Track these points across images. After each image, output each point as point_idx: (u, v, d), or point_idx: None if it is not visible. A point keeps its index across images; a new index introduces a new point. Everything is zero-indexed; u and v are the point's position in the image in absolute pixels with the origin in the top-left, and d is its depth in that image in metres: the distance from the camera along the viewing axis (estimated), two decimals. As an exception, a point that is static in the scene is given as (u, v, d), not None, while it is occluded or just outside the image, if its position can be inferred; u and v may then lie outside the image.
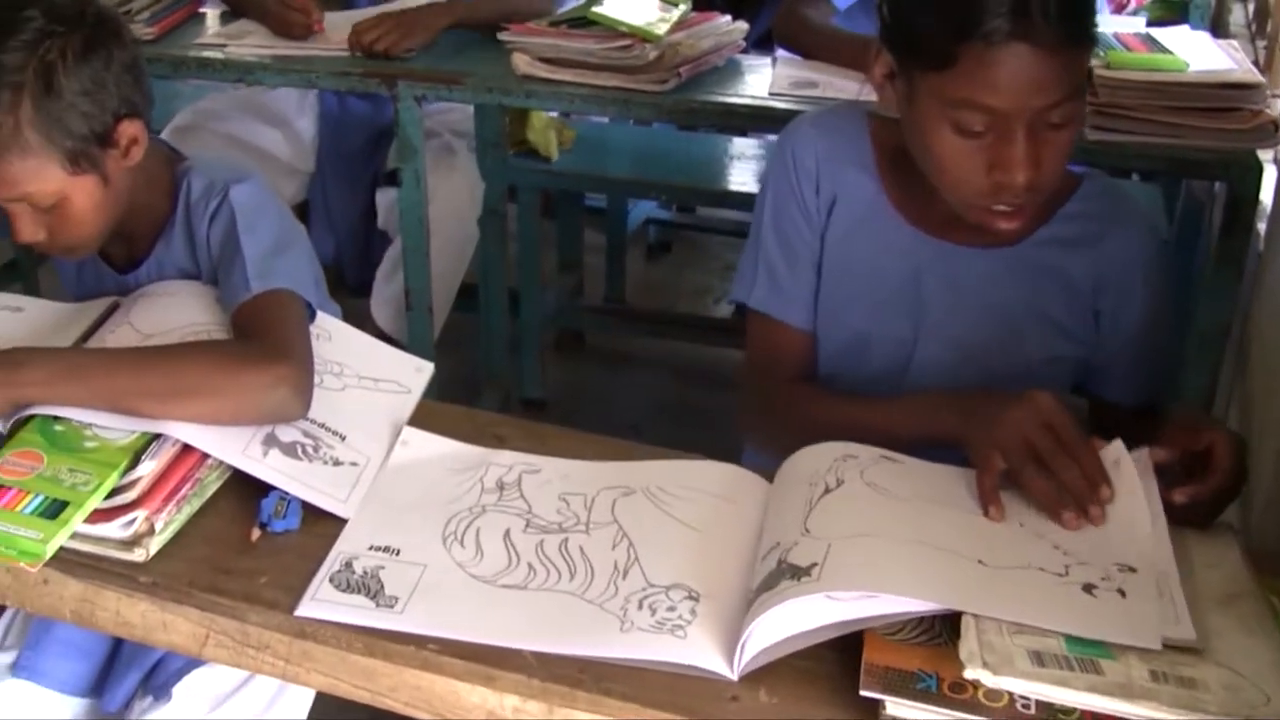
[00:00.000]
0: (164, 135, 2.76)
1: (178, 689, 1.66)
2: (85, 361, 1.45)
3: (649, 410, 3.46)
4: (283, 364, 1.45)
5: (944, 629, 1.19)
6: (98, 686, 1.74)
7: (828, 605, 1.18)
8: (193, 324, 1.58)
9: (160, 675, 1.68)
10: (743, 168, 3.19)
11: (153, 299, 1.63)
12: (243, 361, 1.45)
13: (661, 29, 2.40)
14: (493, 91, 2.42)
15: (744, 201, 3.08)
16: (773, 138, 2.98)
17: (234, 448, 1.43)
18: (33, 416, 1.43)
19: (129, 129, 1.55)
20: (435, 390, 1.67)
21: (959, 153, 1.44)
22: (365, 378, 1.61)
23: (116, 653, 1.72)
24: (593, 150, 3.15)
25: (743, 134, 3.34)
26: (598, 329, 3.74)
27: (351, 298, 2.86)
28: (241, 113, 2.87)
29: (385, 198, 2.89)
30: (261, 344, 1.48)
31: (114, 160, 1.55)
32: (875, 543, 1.24)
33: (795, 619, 1.18)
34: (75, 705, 1.74)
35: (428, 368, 1.66)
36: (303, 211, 2.98)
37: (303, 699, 1.72)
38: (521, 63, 2.41)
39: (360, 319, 2.75)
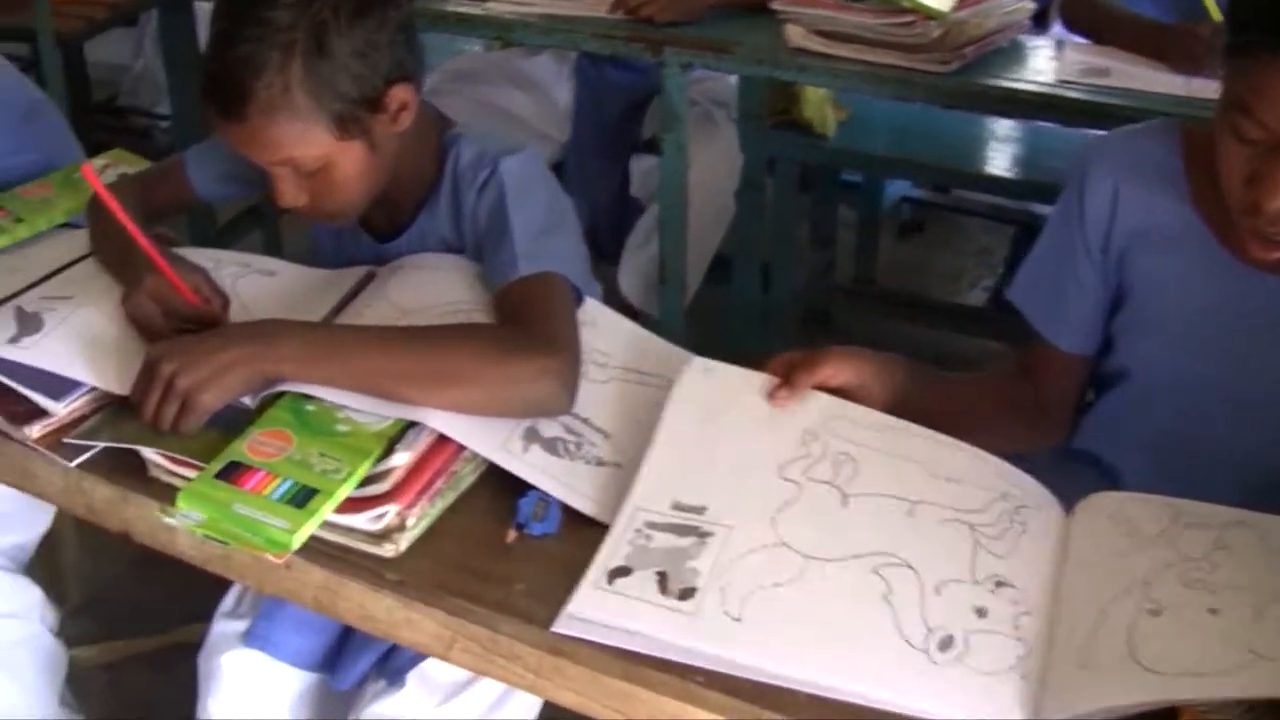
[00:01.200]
0: None
1: (412, 675, 1.58)
2: (342, 339, 1.37)
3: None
4: (550, 354, 1.35)
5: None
6: (330, 662, 1.68)
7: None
8: (453, 302, 1.49)
9: (396, 659, 1.60)
10: (1003, 150, 2.97)
11: (412, 272, 1.54)
12: (509, 350, 1.35)
13: (946, 5, 2.21)
14: (763, 63, 2.28)
15: (1002, 187, 2.88)
16: (1044, 124, 2.87)
17: (493, 441, 1.33)
18: (283, 393, 1.36)
19: (400, 93, 1.46)
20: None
21: (1229, 154, 1.28)
22: (632, 370, 1.50)
23: (351, 630, 1.64)
24: (850, 124, 2.97)
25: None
26: (847, 310, 3.58)
27: (603, 264, 2.77)
28: (496, 76, 2.79)
29: (641, 165, 2.80)
30: (528, 331, 1.38)
31: (382, 125, 1.46)
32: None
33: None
34: (306, 679, 1.69)
35: (698, 363, 1.54)
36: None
37: (535, 699, 1.62)
38: (796, 34, 2.26)
39: (609, 287, 2.69)
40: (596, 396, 1.43)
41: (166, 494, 1.33)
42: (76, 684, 2.21)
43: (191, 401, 1.32)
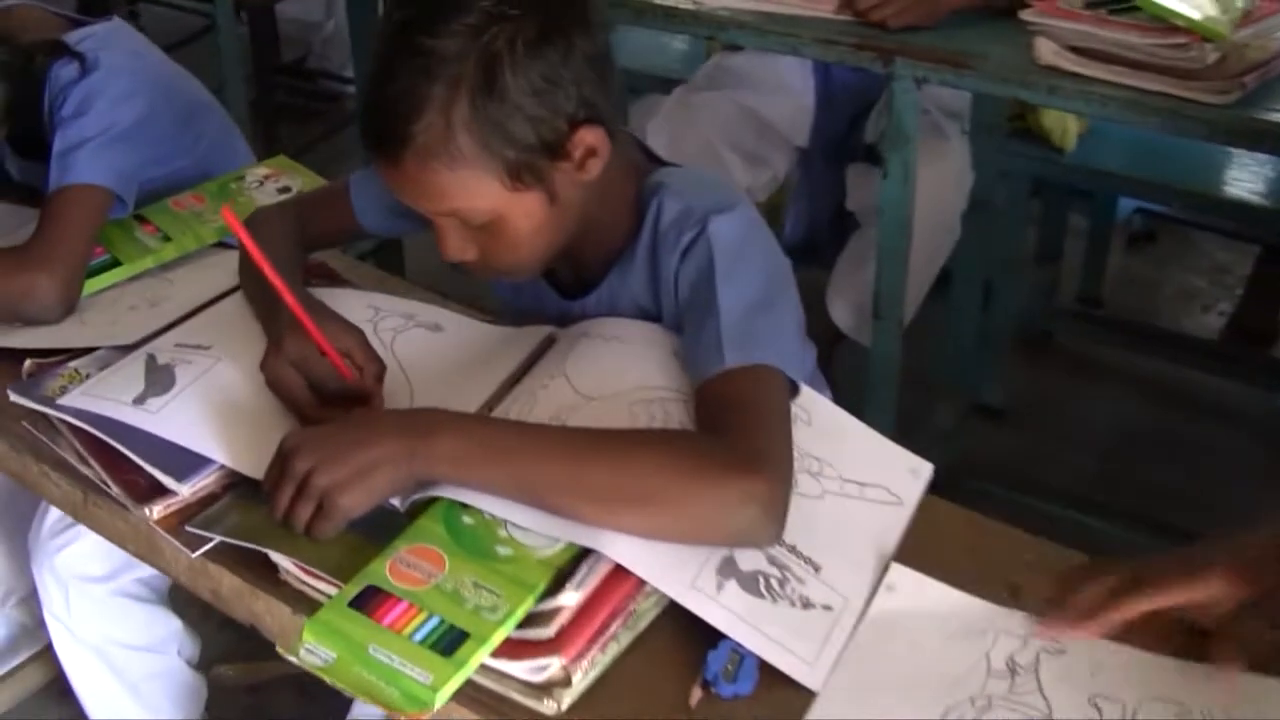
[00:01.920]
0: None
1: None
2: (510, 440, 1.15)
3: (1116, 435, 2.98)
4: (757, 475, 1.11)
5: None
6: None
7: None
8: (645, 388, 1.25)
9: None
10: (1245, 174, 2.61)
11: (599, 345, 1.31)
12: (708, 467, 1.11)
13: (1225, 25, 1.87)
14: (1007, 82, 1.97)
15: (1253, 215, 2.54)
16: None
17: (682, 577, 1.10)
18: (437, 498, 1.14)
19: (587, 137, 1.22)
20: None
21: None
22: (849, 481, 1.25)
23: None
24: (1089, 136, 2.65)
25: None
26: (1070, 333, 3.26)
27: (822, 270, 2.56)
28: (756, 77, 2.54)
29: (856, 175, 2.51)
30: (733, 444, 1.13)
31: (565, 175, 1.23)
32: None
33: None
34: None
35: (925, 470, 1.29)
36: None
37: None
38: (1047, 50, 1.95)
39: (821, 304, 2.49)
40: (807, 517, 1.18)
41: (299, 599, 1.15)
42: (219, 705, 2.11)
43: (330, 505, 1.12)
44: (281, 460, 1.14)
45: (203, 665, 2.03)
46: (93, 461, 1.27)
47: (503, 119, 1.16)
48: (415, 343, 1.38)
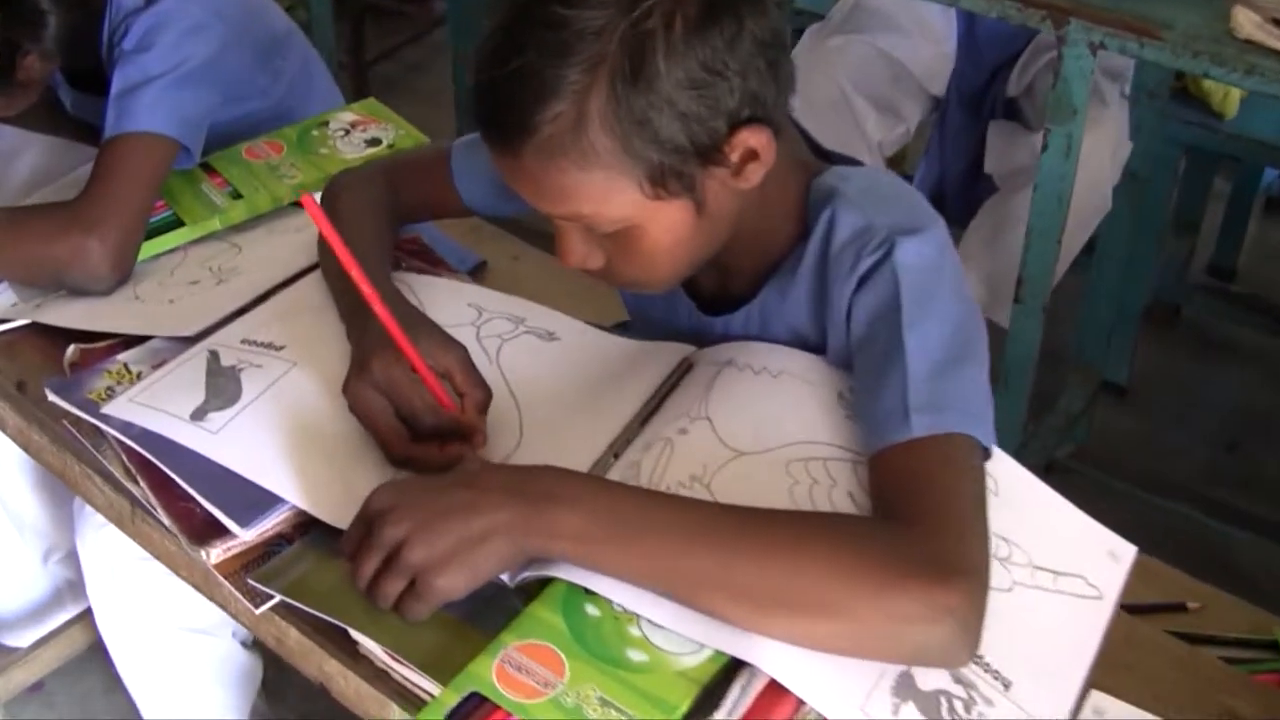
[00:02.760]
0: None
1: None
2: (647, 515, 0.93)
3: (1243, 418, 2.76)
4: (951, 583, 0.89)
5: None
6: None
7: None
8: (806, 442, 1.04)
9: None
10: None
11: (747, 380, 1.09)
12: (890, 570, 0.89)
13: None
14: (1199, 57, 1.70)
15: None
16: None
17: (851, 697, 0.89)
18: (553, 578, 0.94)
19: (749, 140, 0.98)
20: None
21: None
22: (1041, 569, 1.03)
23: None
24: (1248, 101, 2.37)
25: None
26: (1200, 308, 3.01)
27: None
28: (897, 19, 2.27)
29: (999, 134, 2.25)
30: (921, 538, 0.91)
31: (718, 181, 1.00)
32: None
33: None
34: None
35: (1127, 555, 1.07)
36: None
37: None
38: (1246, 22, 1.68)
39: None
40: (995, 615, 0.95)
41: (380, 676, 0.96)
42: (276, 682, 1.96)
43: (424, 584, 0.91)
44: (368, 523, 0.94)
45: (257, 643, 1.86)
46: (141, 482, 1.07)
47: (649, 114, 0.93)
48: (525, 354, 1.17)
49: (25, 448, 1.24)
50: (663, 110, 0.93)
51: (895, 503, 0.96)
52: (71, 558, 1.90)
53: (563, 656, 0.90)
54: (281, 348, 1.15)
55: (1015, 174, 2.18)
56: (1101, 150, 2.12)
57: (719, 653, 0.90)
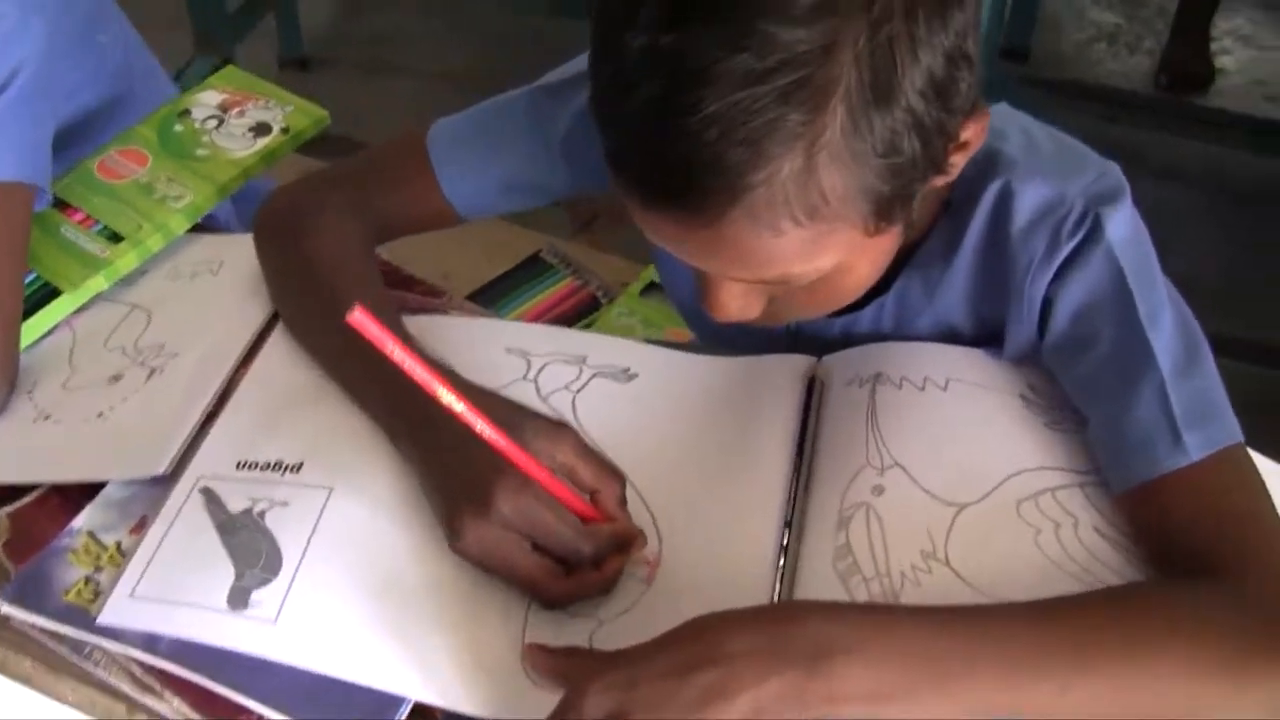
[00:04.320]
0: None
1: None
2: (942, 645, 0.71)
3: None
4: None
5: None
6: None
7: None
8: (1023, 473, 0.83)
9: None
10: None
11: (919, 404, 0.87)
12: (1259, 651, 0.71)
13: None
14: None
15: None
16: None
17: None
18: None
19: (972, 129, 0.74)
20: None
21: None
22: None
23: None
24: None
25: None
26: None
27: None
28: None
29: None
30: (1259, 598, 0.73)
31: (931, 188, 0.75)
32: None
33: None
34: None
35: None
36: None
37: None
38: None
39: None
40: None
41: None
42: None
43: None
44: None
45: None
46: (173, 698, 0.78)
47: (891, 139, 0.67)
48: (605, 407, 0.91)
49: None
50: (906, 129, 0.68)
51: (1193, 548, 0.77)
52: None
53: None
54: (297, 467, 0.86)
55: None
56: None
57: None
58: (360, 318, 0.70)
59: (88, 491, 0.88)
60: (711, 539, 0.83)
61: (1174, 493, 0.78)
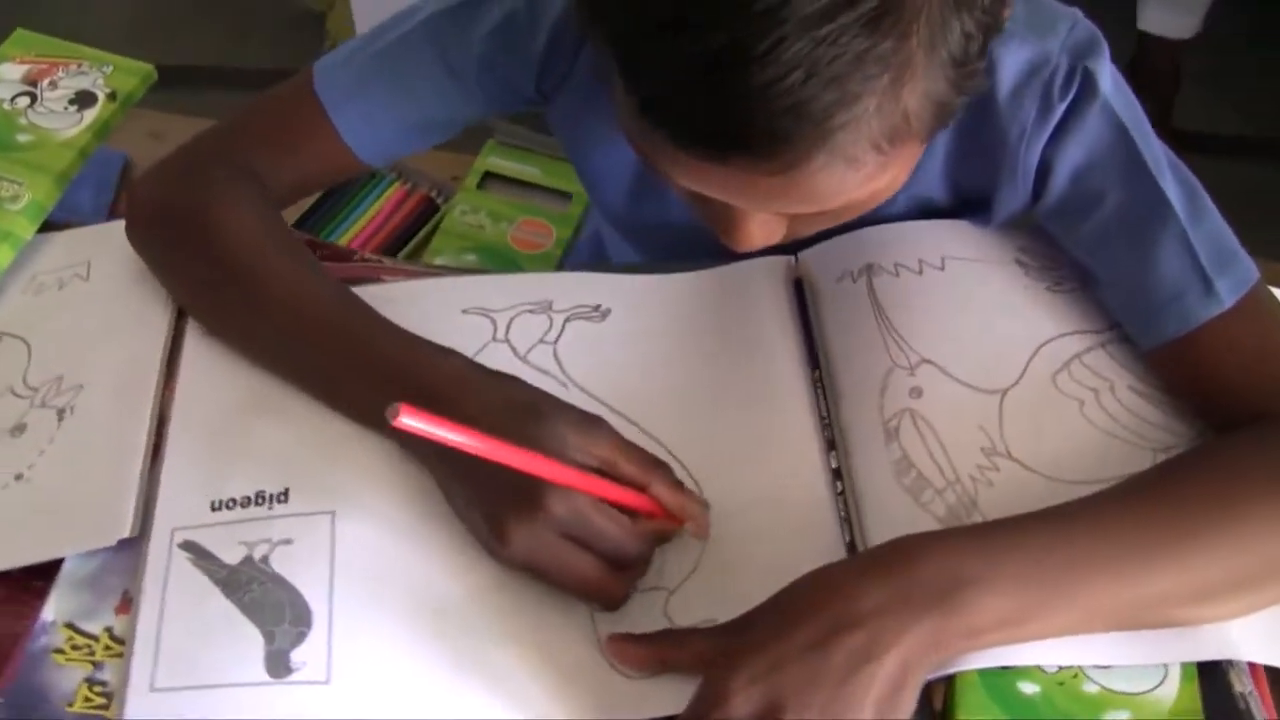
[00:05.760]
0: None
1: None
2: (1064, 553, 0.68)
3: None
4: None
5: None
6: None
7: None
8: (1043, 343, 0.81)
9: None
10: None
11: (923, 290, 0.83)
12: None
13: None
14: None
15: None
16: None
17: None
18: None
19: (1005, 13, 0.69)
20: None
21: None
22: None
23: None
24: None
25: None
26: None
27: None
28: None
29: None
30: None
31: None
32: None
33: None
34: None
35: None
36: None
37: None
38: None
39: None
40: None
41: None
42: None
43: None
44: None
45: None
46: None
47: (965, 42, 0.62)
48: (587, 351, 0.83)
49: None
50: (978, 29, 0.62)
51: (1244, 393, 0.76)
52: None
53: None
54: (283, 495, 0.76)
55: None
56: None
57: (1187, 674, 0.70)
58: (405, 421, 0.61)
59: (34, 572, 0.76)
60: (752, 475, 0.78)
61: (1214, 342, 0.77)
